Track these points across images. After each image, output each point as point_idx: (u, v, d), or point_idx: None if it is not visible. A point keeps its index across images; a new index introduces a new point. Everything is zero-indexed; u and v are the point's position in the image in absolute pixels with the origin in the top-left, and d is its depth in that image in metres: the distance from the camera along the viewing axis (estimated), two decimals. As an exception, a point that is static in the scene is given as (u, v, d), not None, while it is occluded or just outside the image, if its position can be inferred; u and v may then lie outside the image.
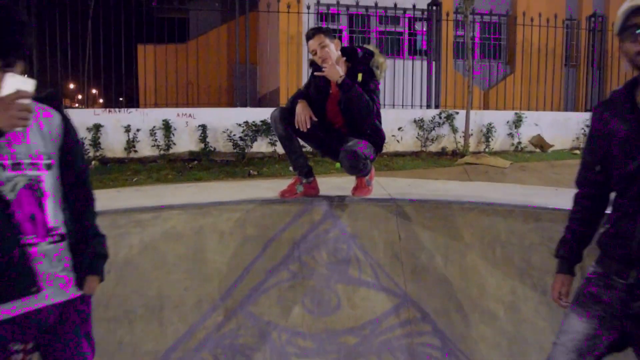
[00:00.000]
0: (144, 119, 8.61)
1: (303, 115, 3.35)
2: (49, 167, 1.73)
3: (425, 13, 10.70)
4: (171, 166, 8.10)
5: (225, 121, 8.85)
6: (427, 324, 2.86)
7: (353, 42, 11.52)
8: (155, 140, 8.54)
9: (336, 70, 3.26)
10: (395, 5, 10.22)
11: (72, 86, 13.49)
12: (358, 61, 3.41)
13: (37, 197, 1.69)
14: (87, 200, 1.87)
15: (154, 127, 8.55)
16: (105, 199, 3.16)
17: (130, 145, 8.50)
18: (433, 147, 9.48)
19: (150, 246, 2.85)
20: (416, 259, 3.08)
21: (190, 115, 8.83)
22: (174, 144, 8.62)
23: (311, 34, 3.38)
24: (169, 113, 8.75)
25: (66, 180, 1.78)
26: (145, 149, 8.61)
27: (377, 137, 3.53)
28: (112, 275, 2.59)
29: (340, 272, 3.00)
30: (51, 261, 1.71)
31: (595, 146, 1.99)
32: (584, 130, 9.71)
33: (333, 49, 3.33)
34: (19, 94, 1.55)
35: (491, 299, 2.93)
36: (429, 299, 2.94)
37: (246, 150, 8.79)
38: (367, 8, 10.26)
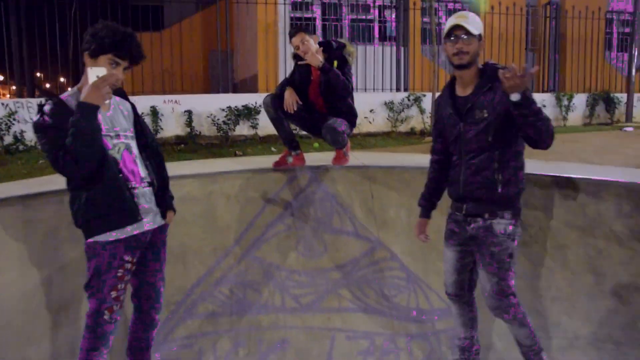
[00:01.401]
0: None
1: (290, 99, 4.04)
2: (132, 137, 2.49)
3: (394, 1, 11.39)
4: (164, 149, 8.68)
5: (209, 107, 9.42)
6: (395, 262, 3.62)
7: (326, 29, 12.14)
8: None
9: (317, 57, 3.95)
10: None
11: (62, 80, 13.77)
12: (333, 51, 4.11)
13: (132, 157, 2.44)
14: (159, 157, 2.64)
15: (142, 113, 9.08)
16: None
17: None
18: (402, 128, 10.17)
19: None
20: (385, 213, 3.83)
21: (176, 101, 9.38)
22: (162, 129, 9.16)
23: (293, 32, 4.07)
24: (156, 100, 9.28)
25: (142, 144, 2.52)
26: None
27: (351, 115, 4.24)
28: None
29: (325, 224, 3.74)
30: (146, 199, 2.47)
31: (437, 124, 2.86)
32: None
33: (312, 42, 4.02)
34: (103, 79, 2.23)
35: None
36: (396, 243, 3.70)
37: (229, 134, 9.39)
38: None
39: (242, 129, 9.62)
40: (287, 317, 3.29)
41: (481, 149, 2.58)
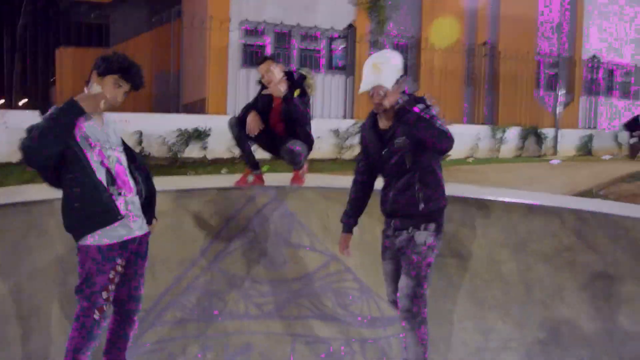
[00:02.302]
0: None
1: (253, 123, 4.32)
2: (122, 151, 2.73)
3: (343, 34, 11.98)
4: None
5: (160, 127, 9.51)
6: (349, 274, 3.93)
7: (275, 56, 12.53)
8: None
9: (278, 88, 4.27)
10: (316, 26, 11.39)
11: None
12: (294, 81, 4.45)
13: (123, 168, 2.68)
14: (145, 170, 2.87)
15: (91, 131, 9.06)
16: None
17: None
18: (347, 155, 10.60)
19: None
20: (339, 230, 4.13)
21: (126, 120, 9.43)
22: (111, 147, 9.15)
23: (261, 60, 4.38)
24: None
25: (129, 158, 2.75)
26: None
27: (308, 141, 4.57)
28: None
29: (284, 239, 4.01)
30: (135, 206, 2.69)
31: (362, 150, 3.17)
32: (477, 142, 11.32)
33: (278, 71, 4.34)
34: (100, 93, 2.52)
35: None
36: (350, 257, 4.00)
37: (179, 155, 9.52)
38: (290, 27, 11.32)
39: (192, 151, 9.76)
40: (251, 323, 3.51)
41: (403, 173, 2.90)
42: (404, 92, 2.92)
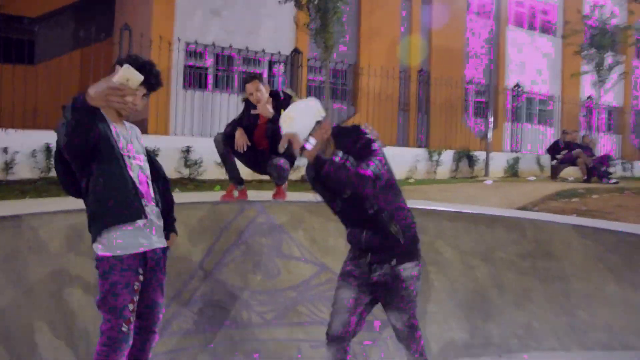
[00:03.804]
0: (24, 141, 8.73)
1: (241, 140, 4.49)
2: (145, 160, 2.75)
3: (284, 58, 12.34)
4: (57, 187, 8.37)
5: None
6: (339, 282, 4.15)
7: (217, 79, 12.64)
8: (37, 162, 8.71)
9: (267, 109, 4.47)
10: (264, 50, 11.67)
11: None
12: (280, 101, 4.66)
13: (145, 178, 2.69)
14: (166, 182, 2.88)
15: (35, 150, 8.72)
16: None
17: (8, 166, 8.54)
18: (293, 176, 10.83)
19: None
20: (326, 241, 4.37)
21: (71, 140, 9.15)
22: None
23: (249, 79, 4.57)
24: (50, 136, 8.96)
25: (151, 168, 2.78)
26: (23, 171, 8.70)
27: (291, 158, 4.78)
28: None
29: (276, 250, 4.17)
30: (155, 216, 2.69)
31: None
32: (416, 164, 11.94)
33: (264, 91, 4.54)
34: (122, 86, 2.17)
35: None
36: (339, 267, 4.24)
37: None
38: (238, 50, 11.49)
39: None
40: (255, 331, 3.62)
41: (367, 218, 2.70)
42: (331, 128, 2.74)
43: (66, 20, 15.90)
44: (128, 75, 2.19)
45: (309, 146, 2.56)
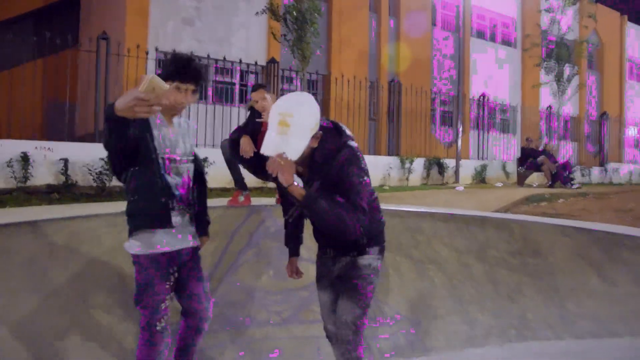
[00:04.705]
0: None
1: (247, 147, 4.63)
2: (192, 160, 2.80)
3: (263, 68, 12.48)
4: (36, 197, 8.26)
5: (85, 156, 9.23)
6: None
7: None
8: (13, 172, 8.56)
9: None
10: (241, 60, 11.79)
11: None
12: None
13: (188, 181, 2.75)
14: (204, 184, 2.96)
15: (11, 159, 8.58)
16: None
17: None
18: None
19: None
20: (330, 243, 4.56)
21: (48, 148, 9.04)
22: (32, 176, 8.70)
23: (256, 87, 4.73)
24: (27, 145, 8.84)
25: (194, 170, 2.84)
26: (-3, 181, 8.54)
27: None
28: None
29: (285, 252, 4.33)
30: (190, 218, 2.76)
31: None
32: (389, 171, 12.27)
33: (270, 100, 4.72)
34: (148, 96, 2.09)
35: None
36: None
37: (107, 184, 9.27)
38: (205, 60, 11.56)
39: (118, 181, 9.52)
40: (275, 330, 3.76)
41: None
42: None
43: (26, 28, 15.59)
44: (153, 85, 2.11)
45: (299, 185, 2.41)
